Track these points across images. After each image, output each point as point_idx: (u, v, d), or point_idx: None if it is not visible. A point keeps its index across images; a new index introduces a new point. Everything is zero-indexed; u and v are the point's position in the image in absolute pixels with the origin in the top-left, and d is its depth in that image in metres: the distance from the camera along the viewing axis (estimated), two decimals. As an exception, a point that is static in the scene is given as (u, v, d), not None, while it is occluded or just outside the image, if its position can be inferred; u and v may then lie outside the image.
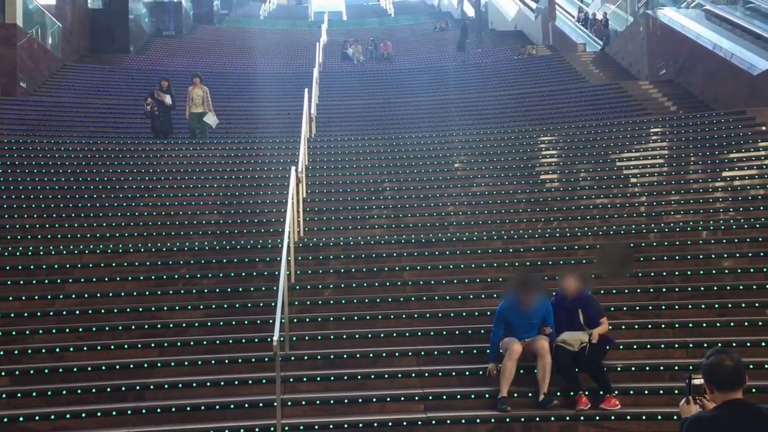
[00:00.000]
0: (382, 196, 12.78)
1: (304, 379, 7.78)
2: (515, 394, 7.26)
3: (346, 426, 7.13)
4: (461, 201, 12.37)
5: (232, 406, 7.38)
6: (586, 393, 7.19)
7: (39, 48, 20.90)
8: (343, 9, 46.40)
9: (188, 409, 7.36)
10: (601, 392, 7.18)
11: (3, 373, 7.89)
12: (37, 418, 7.20)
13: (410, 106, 19.31)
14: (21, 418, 7.17)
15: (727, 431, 3.38)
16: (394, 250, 10.60)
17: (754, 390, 6.96)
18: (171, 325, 8.78)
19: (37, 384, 7.76)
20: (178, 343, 8.43)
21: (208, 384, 7.72)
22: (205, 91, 15.75)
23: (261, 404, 7.34)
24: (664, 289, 9.05)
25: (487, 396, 7.46)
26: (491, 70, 23.58)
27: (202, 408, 7.37)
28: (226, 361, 8.07)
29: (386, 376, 7.83)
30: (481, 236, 10.78)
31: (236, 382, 7.73)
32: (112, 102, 19.51)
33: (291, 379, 7.69)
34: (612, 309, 8.52)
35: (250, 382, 7.73)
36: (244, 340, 8.40)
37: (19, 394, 7.59)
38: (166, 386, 7.69)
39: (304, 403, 7.43)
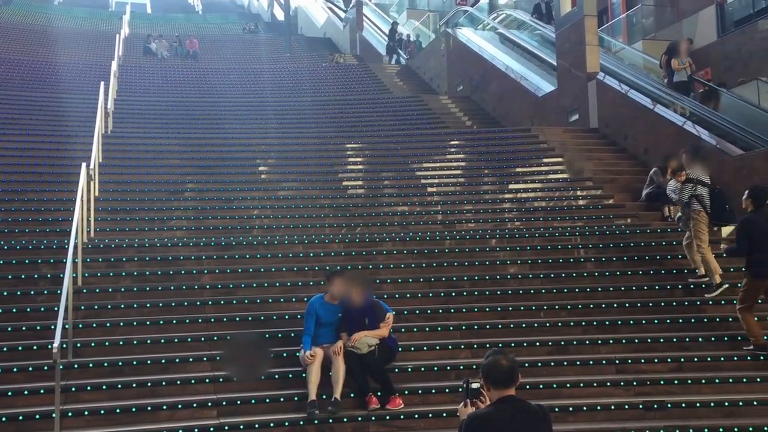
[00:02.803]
0: (183, 197, 12.41)
1: (88, 388, 7.35)
2: (324, 396, 7.29)
3: (132, 435, 6.83)
4: (265, 204, 12.31)
5: (4, 419, 6.81)
6: (378, 393, 7.41)
7: None
8: (147, 1, 44.61)
9: (-46, 423, 6.73)
10: (386, 393, 7.39)
11: None
12: None
13: (216, 106, 18.94)
14: None
15: (498, 425, 3.69)
16: (193, 252, 10.32)
17: (528, 386, 7.56)
18: (-63, 332, 7.98)
19: None
20: (-60, 353, 7.68)
21: (-22, 395, 7.09)
22: None
23: (38, 416, 6.84)
24: (453, 293, 9.53)
25: (282, 400, 7.46)
26: (299, 76, 23.71)
27: (-31, 422, 6.76)
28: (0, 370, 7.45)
29: (178, 382, 7.60)
30: (282, 240, 10.78)
31: (10, 393, 7.14)
32: None
33: (73, 389, 7.25)
34: (405, 312, 8.86)
35: (26, 392, 7.17)
36: (21, 348, 7.80)
37: None
38: (-72, 399, 6.97)
39: (87, 413, 7.02)
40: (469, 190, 13.11)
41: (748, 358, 8.46)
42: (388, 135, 16.03)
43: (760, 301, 8.67)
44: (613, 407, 7.59)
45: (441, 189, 13.18)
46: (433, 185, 13.30)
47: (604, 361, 8.33)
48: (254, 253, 10.36)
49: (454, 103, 19.82)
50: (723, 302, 9.24)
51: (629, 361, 8.33)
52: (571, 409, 7.50)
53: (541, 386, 7.76)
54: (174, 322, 8.59)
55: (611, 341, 8.65)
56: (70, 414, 6.87)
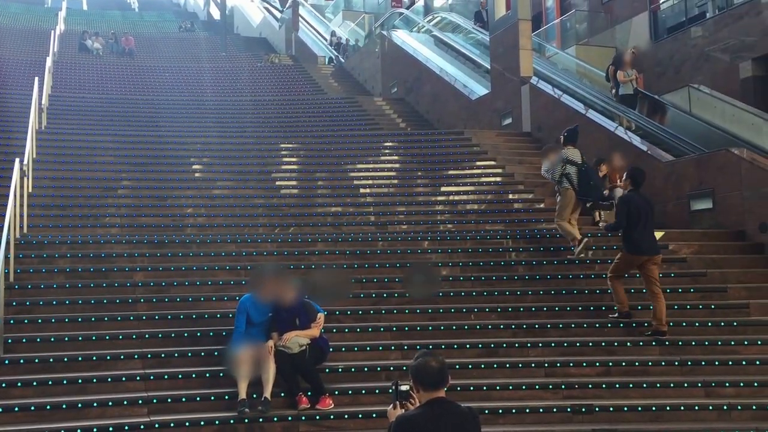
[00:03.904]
0: (117, 194, 12.35)
1: (19, 384, 7.33)
2: (254, 395, 7.39)
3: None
4: (199, 203, 12.34)
5: (-69, 416, 6.77)
6: (309, 393, 7.55)
7: None
8: (84, -3, 43.67)
9: None
10: (316, 393, 7.53)
11: None
12: None
13: (151, 104, 18.77)
14: None
15: (427, 427, 3.73)
16: (126, 250, 10.31)
17: (459, 388, 7.74)
18: None
19: None
20: None
21: None
22: None
23: (-34, 413, 6.82)
24: (385, 295, 9.68)
25: (212, 398, 7.55)
26: (235, 75, 23.64)
27: None
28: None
29: (109, 379, 7.63)
30: (215, 239, 10.85)
31: (-62, 390, 7.09)
32: None
33: (3, 384, 7.23)
34: (337, 313, 8.99)
35: (-46, 389, 7.13)
36: (-51, 344, 7.73)
37: None
38: None
39: (17, 409, 7.01)
40: (403, 192, 13.34)
41: (609, 325, 9.05)
42: (323, 135, 16.18)
43: (627, 276, 9.26)
44: (541, 410, 7.74)
45: (374, 190, 13.36)
46: (367, 186, 13.48)
47: (533, 364, 8.47)
48: (187, 252, 10.40)
49: (388, 105, 20.09)
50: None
51: (558, 364, 8.48)
52: (500, 411, 7.64)
53: (471, 388, 7.92)
54: (106, 319, 8.60)
55: (540, 344, 8.81)
56: (0, 410, 6.85)
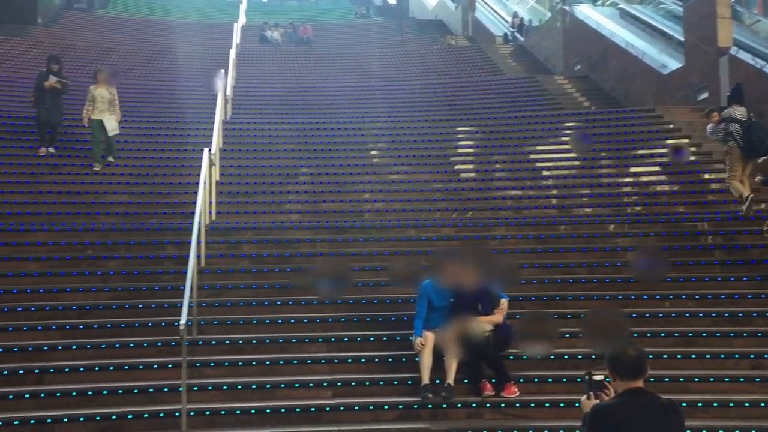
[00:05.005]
0: (298, 180, 12.67)
1: (212, 364, 7.64)
2: (437, 381, 7.26)
3: (253, 411, 7.04)
4: (377, 188, 12.40)
5: (136, 391, 7.19)
6: (493, 380, 7.31)
7: (-63, 15, 19.73)
8: (262, -10, 45.62)
9: (90, 393, 7.14)
10: (501, 381, 7.28)
11: None
12: (-73, 403, 6.84)
13: (329, 91, 19.16)
14: None
15: (626, 418, 3.50)
16: (307, 235, 10.54)
17: (652, 379, 7.21)
18: (74, 308, 8.48)
19: (-74, 367, 7.37)
20: (81, 326, 8.16)
21: (111, 368, 7.49)
22: (111, 92, 12.40)
23: (166, 389, 7.18)
24: (571, 280, 9.29)
25: (395, 383, 7.50)
26: (411, 59, 23.67)
27: (105, 392, 7.16)
28: (131, 344, 7.85)
29: (295, 362, 7.78)
30: (395, 224, 10.82)
31: (141, 367, 7.52)
32: (16, 75, 18.58)
33: (198, 364, 7.54)
34: (520, 299, 8.69)
35: (155, 366, 7.53)
36: (150, 324, 8.19)
37: None
38: (66, 369, 7.44)
39: (210, 388, 7.30)
40: (586, 174, 12.75)
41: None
42: (501, 117, 15.78)
43: None
44: (747, 404, 7.14)
45: (556, 172, 12.87)
46: (548, 168, 13.00)
47: (737, 355, 7.88)
48: (367, 237, 10.45)
49: (570, 83, 19.26)
50: None
51: (766, 356, 7.83)
52: (700, 404, 7.12)
53: (666, 379, 7.41)
54: (290, 303, 8.78)
55: (745, 334, 8.18)
56: (195, 388, 7.15)
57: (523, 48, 25.08)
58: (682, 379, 7.51)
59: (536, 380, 7.54)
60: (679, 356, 7.90)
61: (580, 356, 7.83)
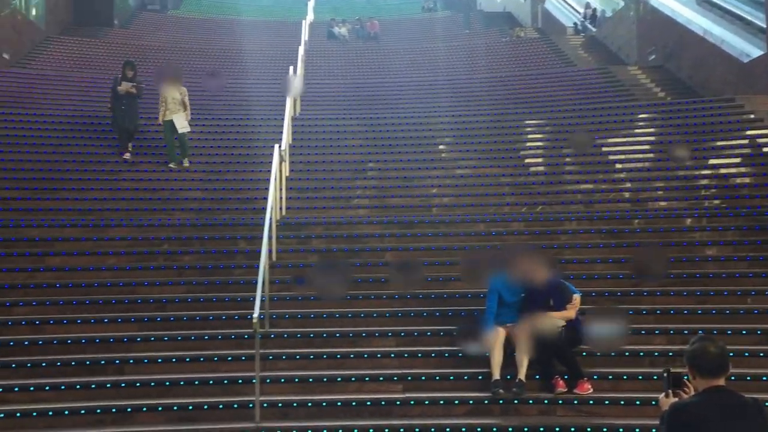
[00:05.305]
0: (366, 176, 12.74)
1: (284, 357, 7.75)
2: (508, 376, 7.21)
3: (324, 404, 7.11)
4: (445, 183, 12.35)
5: (211, 382, 7.36)
6: (565, 377, 7.20)
7: (22, 20, 20.57)
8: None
9: (167, 384, 7.33)
10: (574, 377, 7.17)
11: (-19, 345, 7.83)
12: (16, 389, 7.14)
13: (396, 86, 19.20)
14: (0, 389, 7.09)
15: (707, 417, 3.40)
16: (376, 230, 10.58)
17: (733, 378, 6.94)
18: (151, 301, 8.73)
19: (16, 356, 7.69)
20: (158, 319, 8.38)
21: (188, 360, 7.68)
22: (182, 92, 12.52)
23: (240, 381, 7.32)
24: (646, 275, 9.08)
25: (465, 378, 7.46)
26: (478, 52, 23.47)
27: (182, 383, 7.34)
28: (206, 337, 8.03)
29: (365, 356, 7.82)
30: (464, 218, 10.76)
31: (216, 359, 7.69)
32: (95, 75, 19.22)
33: (270, 357, 7.65)
34: (593, 294, 8.53)
35: (229, 358, 7.69)
36: (224, 317, 8.36)
37: (-3, 366, 7.52)
38: (145, 361, 7.65)
39: (282, 380, 7.41)
40: (662, 166, 12.41)
41: None
42: (572, 109, 15.52)
43: None
44: None
45: (629, 165, 12.59)
46: (621, 161, 12.72)
47: None
48: (436, 231, 10.43)
49: (644, 74, 18.77)
50: None
51: None
52: None
53: (747, 378, 7.17)
54: (360, 297, 8.84)
55: None
56: (268, 380, 7.27)
57: (595, 39, 24.59)
58: (765, 378, 7.25)
59: (610, 377, 7.39)
60: (761, 354, 7.65)
61: (656, 353, 7.67)
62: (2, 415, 6.76)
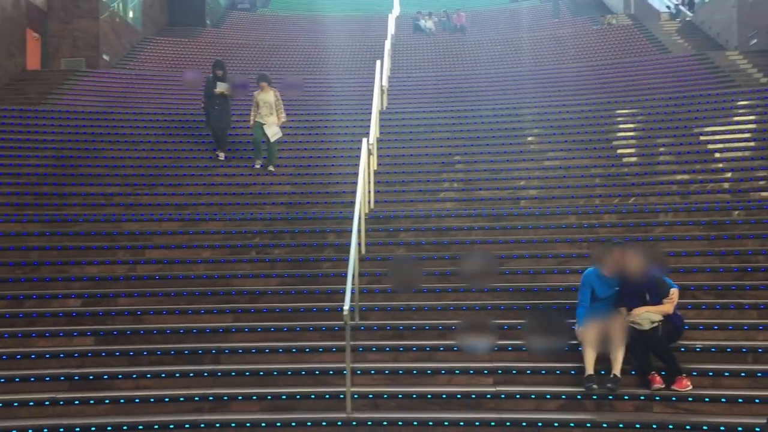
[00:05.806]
0: (453, 168, 12.68)
1: (374, 349, 7.80)
2: (602, 372, 7.05)
3: (414, 396, 7.12)
4: (533, 175, 12.17)
5: (303, 373, 7.48)
6: (663, 372, 6.98)
7: (120, 22, 21.43)
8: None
9: (261, 373, 7.49)
10: (672, 373, 6.94)
11: (89, 333, 8.20)
12: (120, 376, 7.45)
13: (483, 78, 19.00)
14: (105, 377, 7.44)
15: None
16: (464, 223, 10.52)
17: None
18: (245, 292, 8.94)
19: (119, 344, 8.03)
20: (252, 310, 8.58)
21: (281, 350, 7.83)
22: (276, 95, 12.71)
23: (331, 372, 7.42)
24: (749, 269, 8.71)
25: (558, 372, 7.33)
26: (568, 41, 22.97)
27: (275, 373, 7.49)
28: (298, 328, 8.17)
29: (455, 348, 7.78)
30: (553, 211, 10.57)
31: (307, 350, 7.81)
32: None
33: (360, 349, 7.73)
34: (692, 288, 8.27)
35: (320, 350, 7.80)
36: (315, 309, 8.49)
37: (103, 353, 7.86)
38: (240, 351, 7.84)
39: (373, 372, 7.46)
40: (764, 155, 11.86)
41: None
42: (667, 98, 14.99)
43: None
44: None
45: (729, 154, 12.08)
46: (720, 150, 12.23)
47: None
48: (525, 224, 10.29)
49: (746, 59, 17.90)
50: None
51: None
52: None
53: None
54: (449, 290, 8.80)
55: None
56: (358, 372, 7.34)
57: (692, 24, 23.64)
58: None
59: (711, 374, 7.12)
60: None
61: (760, 349, 7.33)
62: (108, 401, 7.07)
